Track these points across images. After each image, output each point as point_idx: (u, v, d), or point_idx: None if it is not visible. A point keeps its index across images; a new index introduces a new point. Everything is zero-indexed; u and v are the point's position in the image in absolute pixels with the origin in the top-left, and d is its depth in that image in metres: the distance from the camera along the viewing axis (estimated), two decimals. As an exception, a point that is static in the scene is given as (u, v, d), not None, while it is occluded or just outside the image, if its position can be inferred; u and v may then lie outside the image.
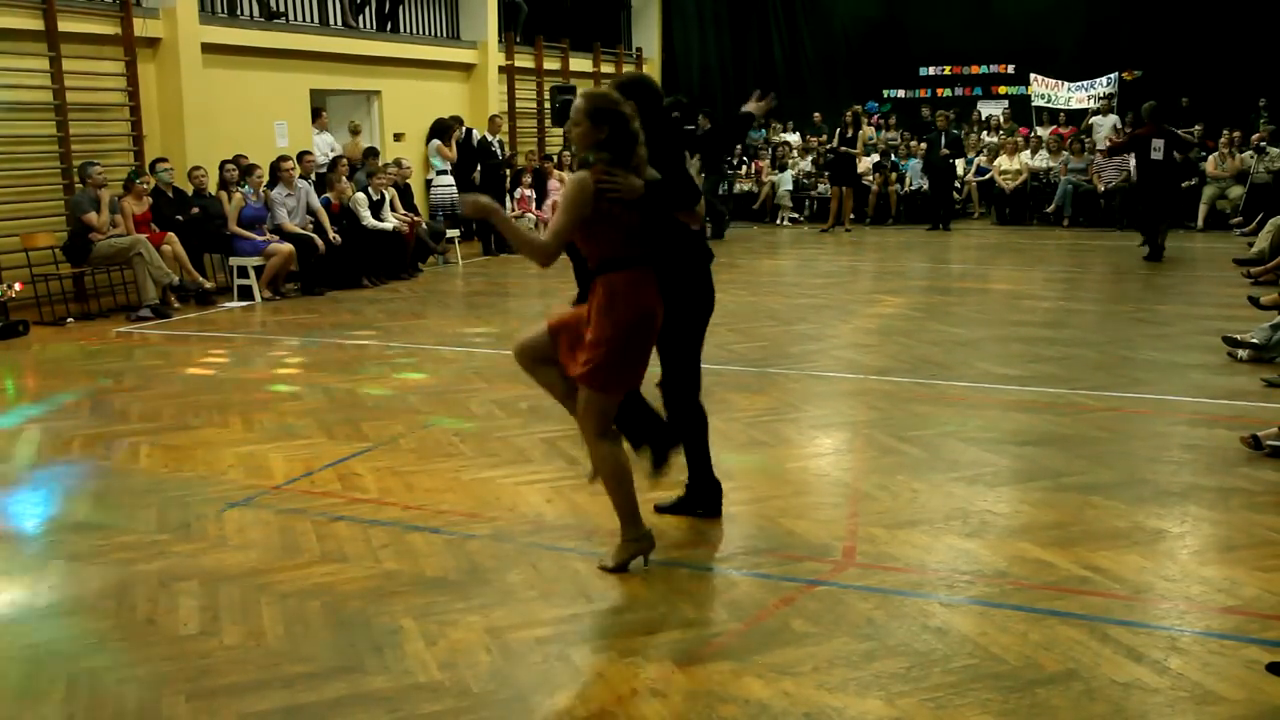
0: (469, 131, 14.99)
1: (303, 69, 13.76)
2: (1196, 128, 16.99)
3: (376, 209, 12.37)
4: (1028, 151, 17.46)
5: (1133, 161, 14.56)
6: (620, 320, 3.82)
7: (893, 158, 18.32)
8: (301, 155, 12.18)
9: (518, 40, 17.88)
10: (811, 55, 21.80)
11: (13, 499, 5.21)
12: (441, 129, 14.69)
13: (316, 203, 11.84)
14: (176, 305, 10.59)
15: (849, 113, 16.69)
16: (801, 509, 4.74)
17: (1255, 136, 16.15)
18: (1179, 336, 8.28)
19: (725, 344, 8.21)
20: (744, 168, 19.33)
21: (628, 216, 3.84)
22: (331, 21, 14.82)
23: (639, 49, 21.83)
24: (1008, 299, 10.39)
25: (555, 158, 16.12)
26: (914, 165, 17.91)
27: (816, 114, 20.04)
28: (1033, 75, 18.86)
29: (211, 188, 11.60)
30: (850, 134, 16.55)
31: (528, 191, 15.11)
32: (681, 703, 3.14)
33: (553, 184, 15.18)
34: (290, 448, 5.82)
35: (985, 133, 18.86)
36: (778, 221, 18.36)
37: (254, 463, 5.56)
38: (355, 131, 14.32)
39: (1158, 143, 12.57)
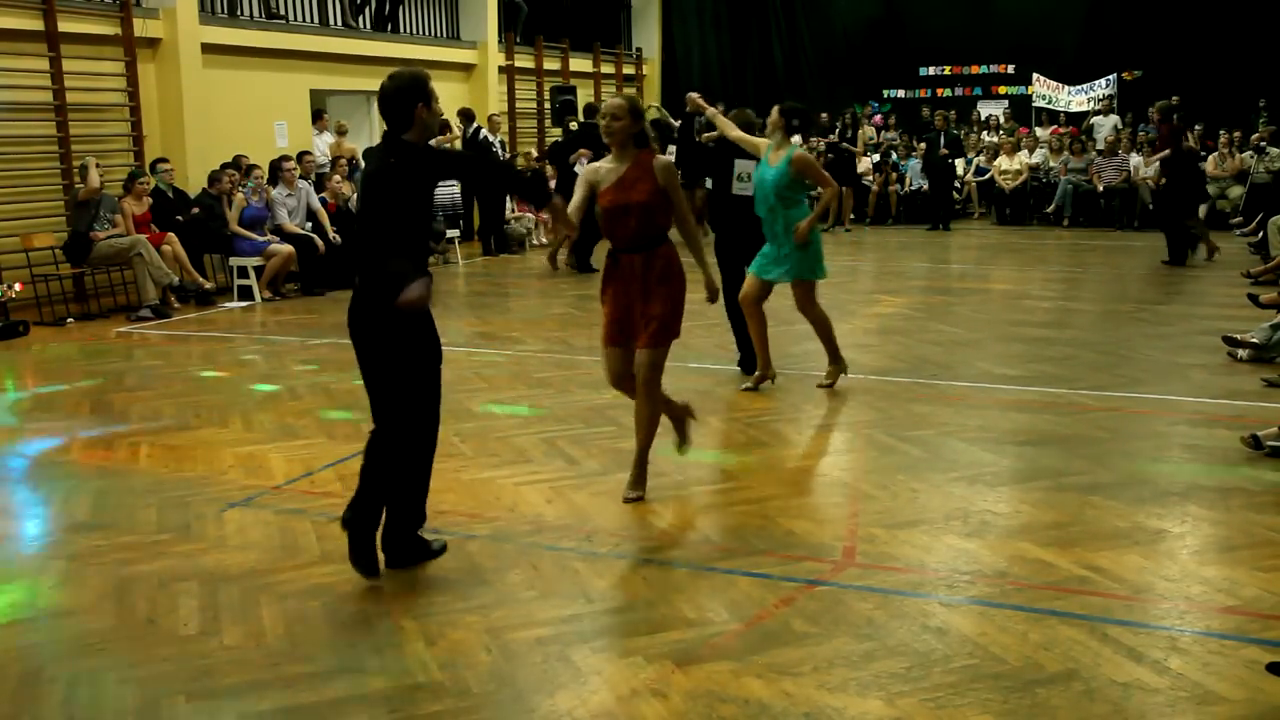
0: (477, 130, 14.59)
1: (303, 69, 13.77)
2: (1197, 128, 16.97)
3: (376, 209, 12.33)
4: (1026, 151, 17.45)
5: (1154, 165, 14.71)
6: None
7: (893, 157, 18.30)
8: (302, 155, 12.18)
9: (518, 40, 17.87)
10: (811, 55, 21.77)
11: (13, 499, 5.21)
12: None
13: (316, 203, 11.84)
14: (176, 305, 10.59)
15: (847, 113, 16.66)
16: (801, 509, 4.74)
17: (1255, 136, 16.14)
18: (1179, 336, 8.28)
19: (726, 344, 8.20)
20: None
21: None
22: (331, 22, 14.82)
23: (639, 49, 21.82)
24: (1008, 299, 10.38)
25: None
26: (914, 165, 17.90)
27: (821, 114, 20.02)
28: (1034, 76, 18.84)
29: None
30: (850, 134, 16.52)
31: None
32: (681, 703, 3.14)
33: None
34: (290, 448, 5.82)
35: (985, 133, 18.84)
36: None
37: (254, 463, 5.56)
38: (341, 132, 14.18)
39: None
